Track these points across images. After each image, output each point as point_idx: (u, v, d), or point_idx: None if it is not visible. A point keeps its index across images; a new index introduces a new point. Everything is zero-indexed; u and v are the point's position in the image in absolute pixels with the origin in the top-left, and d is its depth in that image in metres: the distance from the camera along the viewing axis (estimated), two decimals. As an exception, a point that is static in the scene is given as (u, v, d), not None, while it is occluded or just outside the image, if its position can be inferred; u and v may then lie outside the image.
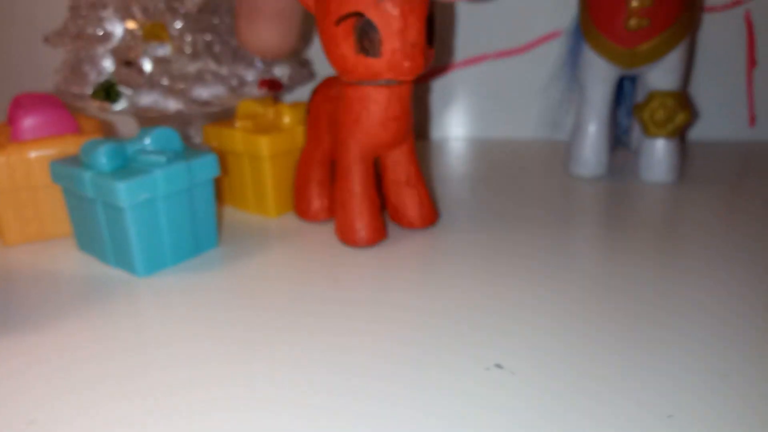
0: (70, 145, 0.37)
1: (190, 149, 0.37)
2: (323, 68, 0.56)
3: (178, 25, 0.39)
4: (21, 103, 0.38)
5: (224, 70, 0.41)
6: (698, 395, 0.23)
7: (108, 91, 0.40)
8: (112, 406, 0.24)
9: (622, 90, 0.52)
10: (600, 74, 0.46)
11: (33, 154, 0.36)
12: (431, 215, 0.39)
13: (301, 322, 0.29)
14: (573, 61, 0.48)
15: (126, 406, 0.24)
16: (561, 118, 0.54)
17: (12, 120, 0.37)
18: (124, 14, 0.41)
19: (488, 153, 0.56)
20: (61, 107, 0.38)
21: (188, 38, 0.40)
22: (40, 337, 0.29)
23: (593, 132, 0.47)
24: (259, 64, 0.43)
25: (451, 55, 0.58)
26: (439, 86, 0.59)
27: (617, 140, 0.54)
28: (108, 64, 0.41)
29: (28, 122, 0.37)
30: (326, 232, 0.39)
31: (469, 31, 0.57)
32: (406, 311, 0.30)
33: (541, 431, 0.22)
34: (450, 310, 0.30)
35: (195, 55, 0.40)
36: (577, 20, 0.48)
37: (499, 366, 0.25)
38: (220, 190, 0.43)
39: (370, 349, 0.27)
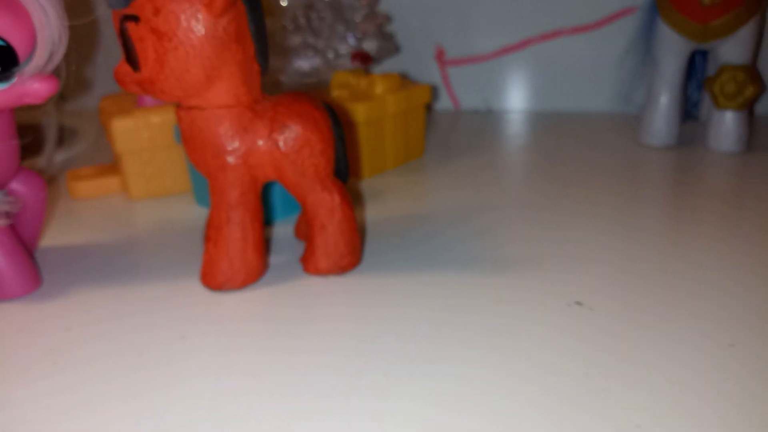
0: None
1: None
2: (405, 41, 0.60)
3: (284, 2, 0.43)
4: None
5: (321, 44, 0.45)
6: (758, 328, 0.26)
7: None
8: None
9: (693, 64, 0.54)
10: (673, 49, 0.48)
11: (155, 119, 0.41)
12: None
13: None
14: (647, 36, 0.50)
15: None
16: (634, 91, 0.56)
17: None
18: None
19: (563, 125, 0.59)
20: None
21: (290, 13, 0.43)
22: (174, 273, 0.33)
23: (665, 104, 0.50)
24: (351, 39, 0.47)
25: (528, 29, 0.60)
26: (516, 59, 0.62)
27: (687, 113, 0.56)
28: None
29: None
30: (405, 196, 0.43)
31: (546, 5, 0.60)
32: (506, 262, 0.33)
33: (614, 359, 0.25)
34: (541, 257, 0.33)
35: (297, 30, 0.44)
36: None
37: (579, 303, 0.28)
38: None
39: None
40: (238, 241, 0.30)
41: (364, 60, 0.47)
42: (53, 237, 0.38)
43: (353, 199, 0.37)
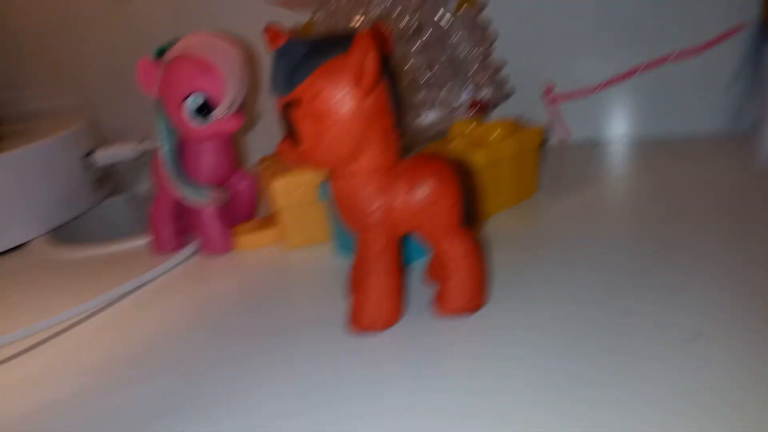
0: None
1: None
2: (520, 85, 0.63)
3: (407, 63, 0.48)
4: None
5: (440, 97, 0.50)
6: None
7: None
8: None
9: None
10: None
11: (304, 178, 0.48)
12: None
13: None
14: (757, 55, 0.50)
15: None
16: (744, 112, 0.56)
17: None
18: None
19: (672, 150, 0.60)
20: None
21: (412, 73, 0.49)
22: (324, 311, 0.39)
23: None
24: (469, 88, 0.51)
25: (635, 57, 0.62)
26: (625, 88, 0.64)
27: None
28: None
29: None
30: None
31: (653, 31, 0.61)
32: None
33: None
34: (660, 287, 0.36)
35: (425, 84, 0.49)
36: (760, 15, 0.50)
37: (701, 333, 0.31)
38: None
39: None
40: (382, 289, 0.35)
41: (481, 109, 0.51)
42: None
43: (480, 242, 0.41)
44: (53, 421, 0.32)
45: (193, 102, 0.45)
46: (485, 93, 0.52)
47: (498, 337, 0.34)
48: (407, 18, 0.49)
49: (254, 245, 0.51)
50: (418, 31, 0.50)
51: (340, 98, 0.31)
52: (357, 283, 0.36)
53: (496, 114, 0.64)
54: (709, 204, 0.46)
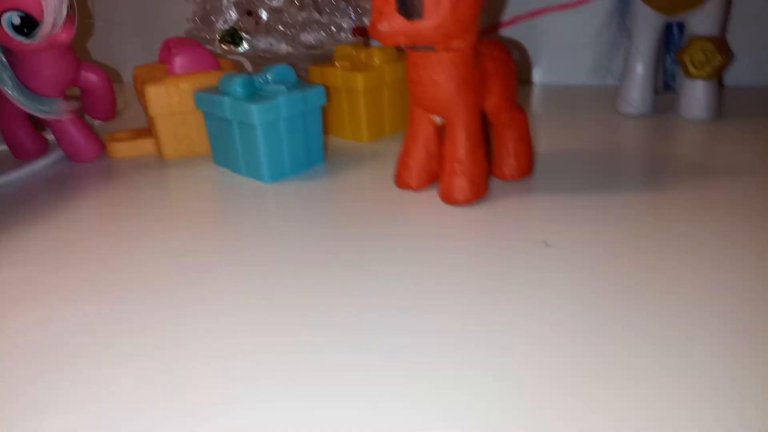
0: (212, 78, 0.47)
1: (302, 82, 0.46)
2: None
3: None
4: (171, 45, 0.48)
5: (325, 19, 0.50)
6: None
7: (233, 36, 0.50)
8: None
9: (671, 37, 0.58)
10: (646, 21, 0.53)
11: (184, 85, 0.46)
12: (449, 196, 0.39)
13: (386, 219, 0.39)
14: (622, 10, 0.54)
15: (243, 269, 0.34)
16: (611, 63, 0.60)
17: (165, 59, 0.47)
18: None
19: (549, 96, 0.64)
20: (204, 48, 0.48)
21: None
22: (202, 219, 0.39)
23: (640, 74, 0.54)
24: (352, 15, 0.52)
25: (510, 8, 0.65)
26: (505, 35, 0.66)
27: (665, 85, 0.60)
28: (232, 14, 0.50)
29: (180, 60, 0.47)
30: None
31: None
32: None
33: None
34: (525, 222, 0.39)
35: (302, 6, 0.49)
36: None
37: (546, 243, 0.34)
38: (323, 120, 0.53)
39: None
40: (480, 163, 0.38)
41: (364, 33, 0.52)
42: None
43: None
44: None
45: (8, 21, 0.42)
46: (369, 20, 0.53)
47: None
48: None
49: (128, 154, 0.50)
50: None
51: None
52: (449, 159, 0.38)
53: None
54: (577, 139, 0.50)
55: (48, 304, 0.30)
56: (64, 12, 0.43)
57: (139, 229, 0.37)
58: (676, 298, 0.28)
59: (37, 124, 0.50)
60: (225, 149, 0.46)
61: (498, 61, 0.38)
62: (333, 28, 0.51)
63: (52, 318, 0.29)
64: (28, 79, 0.46)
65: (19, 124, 0.49)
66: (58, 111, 0.46)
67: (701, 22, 0.52)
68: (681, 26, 0.57)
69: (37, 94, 0.46)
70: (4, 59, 0.44)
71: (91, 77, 0.50)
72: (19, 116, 0.48)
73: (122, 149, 0.50)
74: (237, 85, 0.43)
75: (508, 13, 0.65)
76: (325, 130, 0.53)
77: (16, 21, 0.42)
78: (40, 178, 0.47)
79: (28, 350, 0.26)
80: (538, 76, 0.68)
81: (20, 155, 0.49)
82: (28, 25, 0.42)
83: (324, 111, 0.47)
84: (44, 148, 0.50)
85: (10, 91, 0.44)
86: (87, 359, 0.26)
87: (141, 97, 0.48)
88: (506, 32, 0.66)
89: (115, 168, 0.48)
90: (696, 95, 0.53)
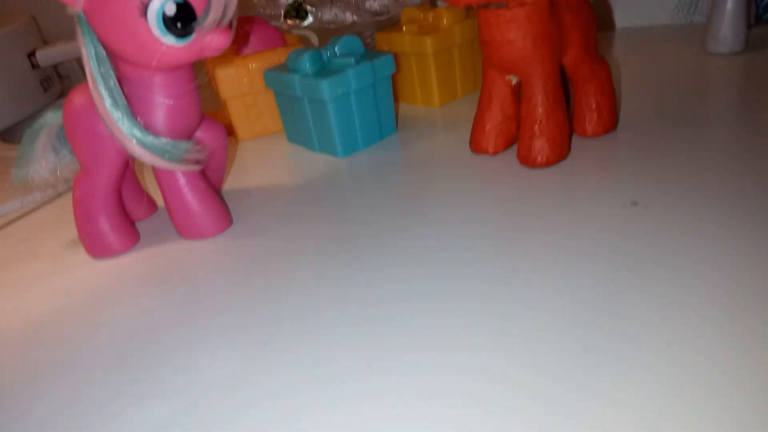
0: (280, 56, 0.47)
1: (370, 52, 0.45)
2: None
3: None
4: (237, 25, 0.47)
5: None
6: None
7: (297, 10, 0.49)
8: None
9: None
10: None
11: (253, 65, 0.46)
12: (529, 159, 0.37)
13: (464, 186, 0.37)
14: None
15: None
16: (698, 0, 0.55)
17: (233, 40, 0.47)
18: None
19: (630, 41, 0.60)
20: (270, 26, 0.47)
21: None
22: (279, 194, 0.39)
23: (731, 9, 0.49)
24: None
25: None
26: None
27: (758, 18, 0.55)
28: (295, -12, 0.50)
29: (247, 40, 0.47)
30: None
31: None
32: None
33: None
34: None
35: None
36: None
37: (635, 203, 0.32)
38: (393, 88, 0.52)
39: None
40: (564, 122, 0.37)
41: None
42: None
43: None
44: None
45: (158, 12, 0.29)
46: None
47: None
48: None
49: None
50: None
51: None
52: (527, 120, 0.36)
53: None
54: (665, 82, 0.46)
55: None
56: (233, 6, 0.31)
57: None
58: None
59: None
60: (298, 127, 0.46)
61: (576, 10, 0.36)
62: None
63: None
64: (141, 114, 0.32)
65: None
66: (184, 153, 0.32)
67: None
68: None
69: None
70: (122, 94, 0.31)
71: (209, 132, 0.37)
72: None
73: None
74: (305, 62, 0.42)
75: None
76: (396, 98, 0.52)
77: (170, 10, 0.29)
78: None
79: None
80: (618, 19, 0.63)
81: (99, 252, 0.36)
82: (185, 17, 0.29)
83: (393, 78, 0.46)
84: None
85: (113, 114, 0.31)
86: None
87: (212, 80, 0.48)
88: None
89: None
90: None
